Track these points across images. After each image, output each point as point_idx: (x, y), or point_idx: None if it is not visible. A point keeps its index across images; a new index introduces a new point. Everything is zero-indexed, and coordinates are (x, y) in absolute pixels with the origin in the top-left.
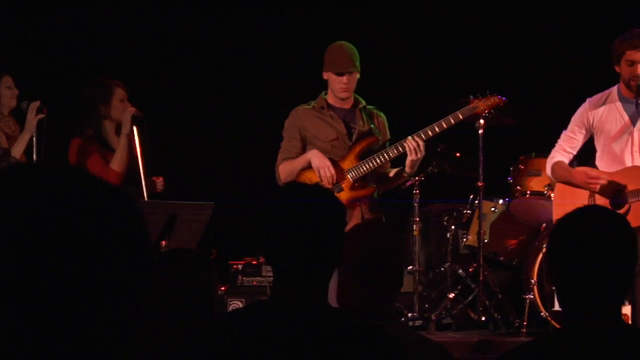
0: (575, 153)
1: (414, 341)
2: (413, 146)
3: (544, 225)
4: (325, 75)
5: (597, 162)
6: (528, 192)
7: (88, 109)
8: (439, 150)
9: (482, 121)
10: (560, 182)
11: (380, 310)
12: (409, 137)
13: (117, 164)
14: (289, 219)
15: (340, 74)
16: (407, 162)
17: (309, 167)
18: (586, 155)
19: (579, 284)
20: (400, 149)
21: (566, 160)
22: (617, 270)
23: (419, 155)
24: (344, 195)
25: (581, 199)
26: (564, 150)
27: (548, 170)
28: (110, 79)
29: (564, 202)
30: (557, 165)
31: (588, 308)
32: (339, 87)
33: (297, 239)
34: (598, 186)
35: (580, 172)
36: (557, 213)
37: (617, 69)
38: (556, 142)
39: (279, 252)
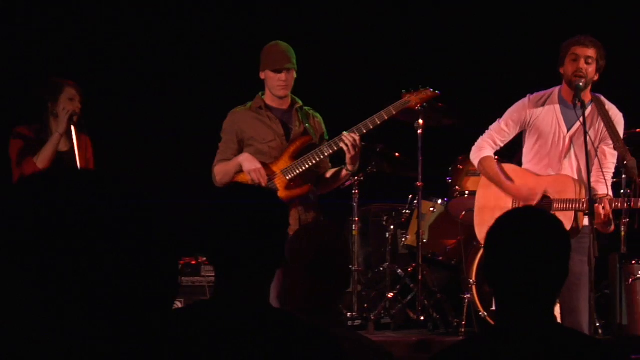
0: (502, 146)
1: (357, 342)
2: (349, 142)
3: (463, 214)
4: (263, 75)
5: (527, 162)
6: (467, 192)
7: (37, 106)
8: (378, 150)
9: (421, 121)
10: (486, 178)
11: (327, 310)
12: (344, 132)
13: (40, 159)
14: (231, 220)
15: (278, 71)
16: (347, 159)
17: (242, 170)
18: (508, 152)
19: (514, 284)
20: (335, 147)
21: (492, 153)
22: (551, 270)
23: (357, 150)
24: (279, 195)
25: (505, 200)
26: (494, 142)
27: (474, 160)
28: (61, 78)
29: (488, 194)
30: (486, 161)
31: (522, 307)
32: (277, 85)
33: (240, 239)
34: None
35: (518, 190)
36: (479, 214)
37: (561, 70)
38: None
39: (222, 253)
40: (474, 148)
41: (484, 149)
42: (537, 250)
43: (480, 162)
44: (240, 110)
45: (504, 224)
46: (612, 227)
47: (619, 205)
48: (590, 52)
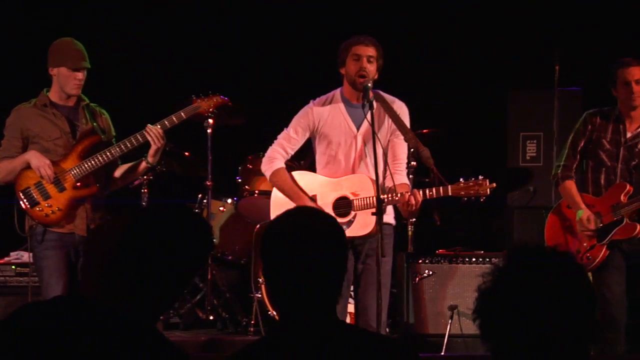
0: (293, 154)
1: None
2: (155, 134)
3: (257, 226)
4: (54, 71)
5: (320, 169)
6: (256, 191)
7: None
8: (167, 149)
9: (210, 120)
10: (280, 191)
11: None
12: (149, 125)
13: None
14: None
15: (76, 70)
16: (151, 151)
17: (29, 166)
18: (305, 153)
19: (291, 284)
20: (123, 147)
21: (283, 163)
22: (327, 269)
23: (162, 143)
24: (66, 195)
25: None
26: (285, 150)
27: (266, 171)
28: None
29: (282, 202)
30: (279, 174)
31: (300, 307)
32: (74, 84)
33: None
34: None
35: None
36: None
37: (342, 71)
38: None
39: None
40: (264, 159)
41: (275, 159)
42: (312, 249)
43: (272, 175)
44: (25, 107)
45: (278, 225)
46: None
47: (428, 194)
48: (371, 51)
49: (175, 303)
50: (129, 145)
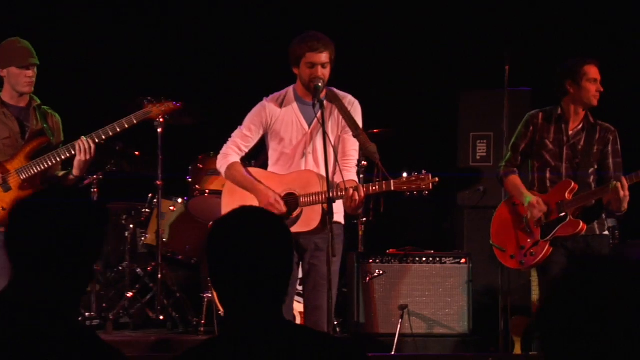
0: (248, 151)
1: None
2: (84, 147)
3: (210, 224)
4: (4, 72)
5: (272, 165)
6: (207, 191)
7: None
8: (117, 148)
9: (161, 120)
10: (235, 183)
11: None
12: (82, 137)
13: None
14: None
15: (25, 68)
16: (75, 163)
17: None
18: (258, 153)
19: (236, 284)
20: (72, 151)
21: (238, 159)
22: (272, 269)
23: (88, 157)
24: (12, 195)
25: (252, 200)
26: (239, 147)
27: (221, 168)
28: None
29: (234, 201)
30: (234, 167)
31: (246, 307)
32: (25, 81)
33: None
34: (280, 211)
35: (263, 194)
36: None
37: (295, 70)
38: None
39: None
40: (219, 156)
41: (229, 155)
42: (257, 249)
43: (227, 169)
44: None
45: (221, 225)
46: (361, 211)
47: (371, 190)
48: (325, 57)
49: (85, 288)
50: (72, 151)
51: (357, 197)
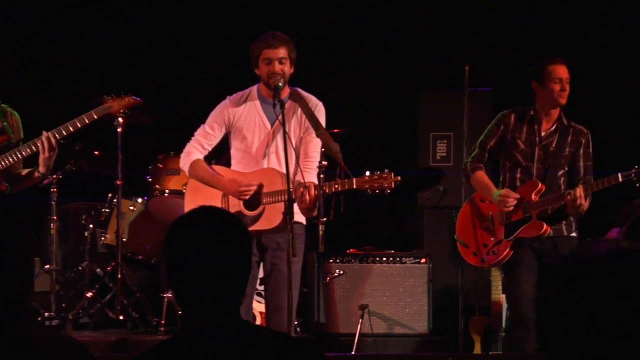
0: (211, 150)
1: (59, 341)
2: (46, 144)
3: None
4: None
5: (235, 164)
6: (167, 190)
7: None
8: (77, 148)
9: (120, 119)
10: (198, 180)
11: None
12: (44, 132)
13: None
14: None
15: None
16: (40, 160)
17: None
18: (221, 153)
19: (193, 284)
20: (34, 147)
21: (201, 157)
22: (229, 269)
23: (52, 153)
24: None
25: (214, 198)
26: (202, 146)
27: (184, 166)
28: None
29: (196, 199)
30: (197, 164)
31: (203, 308)
32: None
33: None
34: (247, 197)
35: (231, 182)
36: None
37: (256, 71)
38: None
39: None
40: (182, 155)
41: (192, 153)
42: (214, 249)
43: (191, 166)
44: None
45: (179, 225)
46: (315, 212)
47: (327, 189)
48: (282, 52)
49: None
50: (34, 148)
51: (307, 197)
